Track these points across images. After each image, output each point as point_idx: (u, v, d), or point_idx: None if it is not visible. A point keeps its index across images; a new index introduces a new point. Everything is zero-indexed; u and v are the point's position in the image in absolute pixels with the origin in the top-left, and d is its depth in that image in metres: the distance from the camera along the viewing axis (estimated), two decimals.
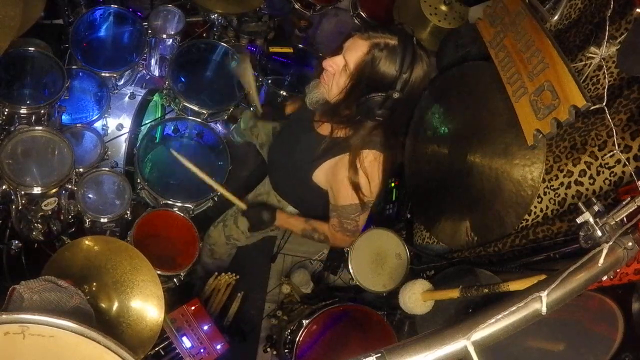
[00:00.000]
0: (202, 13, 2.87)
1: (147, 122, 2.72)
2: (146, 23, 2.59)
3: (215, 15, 2.80)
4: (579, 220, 1.17)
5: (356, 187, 1.68)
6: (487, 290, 1.46)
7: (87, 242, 1.75)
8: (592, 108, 1.42)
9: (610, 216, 1.14)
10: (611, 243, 1.05)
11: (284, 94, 2.69)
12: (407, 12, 2.78)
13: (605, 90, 1.41)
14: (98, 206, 2.12)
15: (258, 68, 2.74)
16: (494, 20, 1.99)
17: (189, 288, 2.46)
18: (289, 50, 2.91)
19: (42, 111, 2.10)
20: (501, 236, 2.01)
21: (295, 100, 2.29)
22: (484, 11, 2.09)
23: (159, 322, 1.70)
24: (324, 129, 1.77)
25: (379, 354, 0.81)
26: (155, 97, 2.78)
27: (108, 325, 1.65)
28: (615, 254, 1.05)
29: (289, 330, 2.26)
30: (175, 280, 2.17)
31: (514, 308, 0.87)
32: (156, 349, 1.95)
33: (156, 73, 2.78)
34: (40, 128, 2.01)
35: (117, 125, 2.66)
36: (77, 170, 2.09)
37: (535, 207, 1.88)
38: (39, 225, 2.20)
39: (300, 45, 2.99)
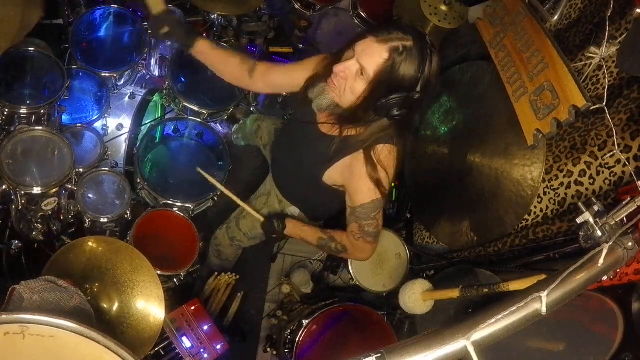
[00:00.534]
0: (202, 13, 2.87)
1: (147, 122, 2.72)
2: (146, 23, 2.59)
3: (215, 15, 2.79)
4: (579, 220, 1.17)
5: (377, 182, 1.63)
6: (487, 290, 1.46)
7: (87, 242, 1.75)
8: (592, 108, 1.42)
9: (610, 216, 1.14)
10: (611, 243, 1.05)
11: (284, 94, 2.69)
12: (407, 12, 2.78)
13: (605, 90, 1.41)
14: (98, 206, 2.12)
15: None
16: (494, 20, 1.99)
17: (189, 288, 2.46)
18: (289, 50, 2.91)
19: (42, 111, 2.10)
20: (501, 236, 2.01)
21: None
22: (484, 11, 2.09)
23: (159, 322, 1.70)
24: (331, 128, 1.72)
25: (379, 354, 0.81)
26: (155, 97, 2.78)
27: (108, 326, 1.65)
28: (615, 254, 1.05)
29: (289, 330, 2.26)
30: (175, 280, 2.17)
31: (514, 308, 0.87)
32: (156, 349, 1.95)
33: (156, 73, 2.78)
34: (40, 128, 2.01)
35: (117, 125, 2.66)
36: (77, 170, 2.08)
37: (535, 207, 1.89)
38: (39, 225, 2.20)
39: (300, 45, 2.99)
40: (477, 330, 0.84)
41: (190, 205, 2.29)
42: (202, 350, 2.02)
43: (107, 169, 2.22)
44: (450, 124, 2.42)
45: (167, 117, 2.68)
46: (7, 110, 2.04)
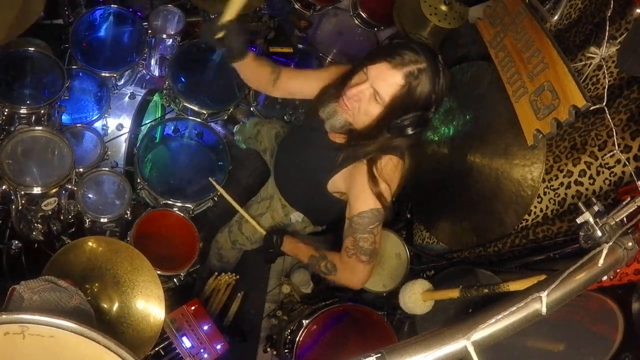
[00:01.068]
0: (202, 13, 2.87)
1: (147, 122, 2.72)
2: (146, 23, 2.59)
3: (215, 15, 2.79)
4: (579, 220, 1.17)
5: (378, 193, 1.61)
6: (487, 290, 1.46)
7: (87, 242, 1.75)
8: (592, 108, 1.42)
9: (610, 216, 1.14)
10: (611, 243, 1.05)
11: None
12: (407, 12, 2.78)
13: (605, 90, 1.41)
14: (98, 206, 2.12)
15: None
16: (494, 20, 1.99)
17: (189, 288, 2.46)
18: (289, 50, 2.91)
19: (42, 111, 2.10)
20: (501, 236, 2.01)
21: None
22: (484, 11, 2.09)
23: (159, 322, 1.70)
24: (339, 136, 1.72)
25: (379, 354, 0.81)
26: (155, 97, 2.78)
27: (108, 326, 1.65)
28: (615, 254, 1.05)
29: (289, 330, 2.26)
30: (175, 280, 2.17)
31: (514, 308, 0.87)
32: (156, 349, 1.95)
33: (156, 73, 2.78)
34: (40, 128, 2.01)
35: (117, 125, 2.66)
36: (77, 170, 2.08)
37: (535, 207, 1.89)
38: (39, 225, 2.21)
39: (300, 45, 2.99)
40: (477, 330, 0.84)
41: (190, 205, 2.29)
42: (202, 350, 2.02)
43: (107, 169, 2.22)
44: (450, 124, 2.42)
45: (167, 117, 2.68)
46: (7, 110, 2.04)
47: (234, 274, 2.42)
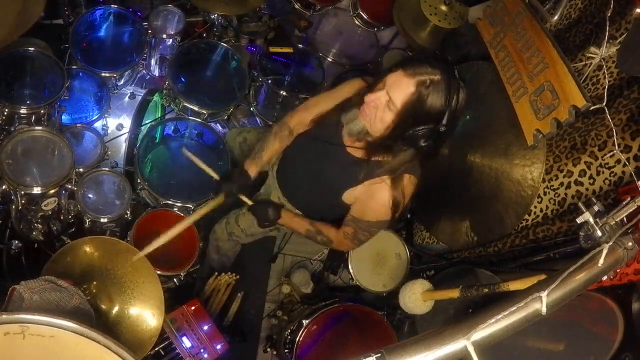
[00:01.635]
0: (202, 13, 2.87)
1: (147, 122, 2.72)
2: (146, 23, 2.59)
3: (215, 15, 2.80)
4: (579, 220, 1.17)
5: (395, 209, 1.72)
6: (487, 290, 1.46)
7: (87, 243, 1.75)
8: (592, 108, 1.42)
9: (610, 216, 1.14)
10: (611, 243, 1.05)
11: (284, 94, 2.69)
12: (407, 12, 2.78)
13: (605, 90, 1.41)
14: (98, 206, 2.12)
15: (258, 68, 2.75)
16: (494, 20, 1.99)
17: (189, 288, 2.46)
18: (289, 50, 2.91)
19: (42, 111, 2.10)
20: (501, 236, 2.01)
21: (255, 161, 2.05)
22: (484, 11, 2.09)
23: (159, 322, 1.70)
24: (358, 152, 1.77)
25: (379, 354, 0.81)
26: (155, 97, 2.78)
27: (108, 326, 1.65)
28: (615, 254, 1.05)
29: (289, 330, 2.26)
30: (175, 280, 2.17)
31: (514, 308, 0.87)
32: (156, 349, 1.95)
33: (156, 73, 2.78)
34: (40, 128, 2.01)
35: (117, 125, 2.66)
36: (77, 170, 2.08)
37: (535, 207, 1.89)
38: (39, 225, 2.20)
39: (300, 45, 2.99)
40: (477, 330, 0.84)
41: (191, 205, 2.29)
42: (202, 350, 2.02)
43: (107, 169, 2.22)
44: None
45: (167, 117, 2.68)
46: (7, 110, 2.04)
47: (234, 274, 2.41)
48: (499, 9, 1.97)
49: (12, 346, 0.93)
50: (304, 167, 2.00)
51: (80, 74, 2.44)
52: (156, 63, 2.74)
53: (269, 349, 2.51)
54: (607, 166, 1.62)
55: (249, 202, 1.99)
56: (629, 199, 1.14)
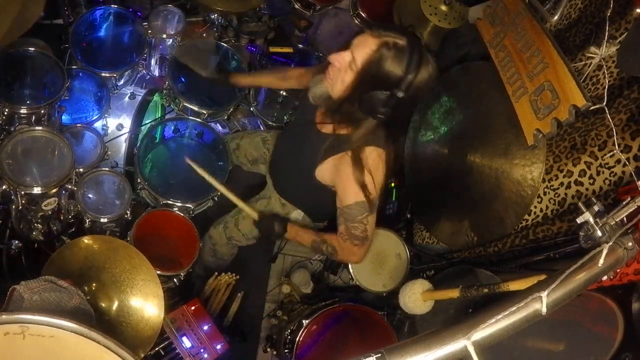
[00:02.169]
0: (202, 13, 2.87)
1: (147, 122, 2.72)
2: (146, 23, 2.59)
3: (215, 15, 2.79)
4: (579, 220, 1.17)
5: (362, 184, 1.66)
6: (487, 290, 1.46)
7: (86, 241, 1.75)
8: (592, 108, 1.42)
9: (610, 216, 1.14)
10: (611, 243, 1.05)
11: (284, 94, 2.69)
12: (407, 12, 2.78)
13: (605, 90, 1.41)
14: (98, 206, 2.12)
15: (258, 68, 2.74)
16: (494, 20, 1.99)
17: (189, 288, 2.46)
18: (289, 50, 2.91)
19: (42, 111, 2.10)
20: (501, 236, 2.01)
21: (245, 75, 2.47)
22: (484, 11, 2.09)
23: (159, 322, 1.69)
24: (327, 128, 1.76)
25: (379, 354, 0.81)
26: (155, 97, 2.78)
27: (108, 325, 1.65)
28: (615, 254, 1.05)
29: (289, 330, 2.26)
30: (175, 280, 2.16)
31: (514, 308, 0.87)
32: (156, 349, 1.95)
33: (156, 73, 2.78)
34: (40, 128, 2.01)
35: (117, 125, 2.66)
36: (77, 170, 2.08)
37: (535, 207, 1.89)
38: (39, 225, 2.20)
39: (300, 45, 2.99)
40: (477, 330, 0.84)
41: (191, 205, 2.29)
42: (202, 350, 2.02)
43: (107, 169, 2.22)
44: (450, 124, 2.42)
45: (167, 117, 2.67)
46: (7, 110, 2.04)
47: (234, 274, 2.41)
48: (499, 9, 1.97)
49: (12, 346, 0.93)
50: (285, 155, 2.03)
51: (80, 74, 2.44)
52: (156, 63, 2.74)
53: (269, 349, 2.51)
54: (607, 166, 1.62)
55: (255, 217, 1.99)
56: (629, 199, 1.14)
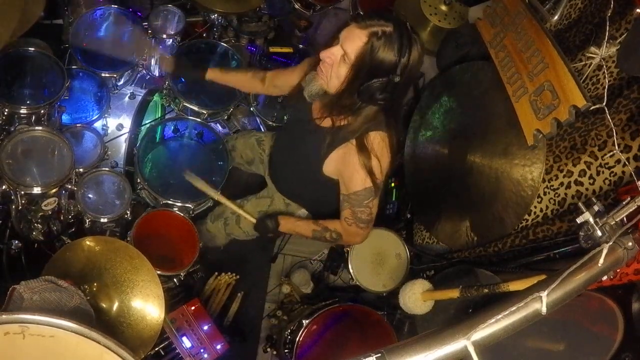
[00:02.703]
0: (202, 13, 2.87)
1: (147, 122, 2.72)
2: (146, 23, 2.59)
3: (215, 15, 2.79)
4: (579, 220, 1.17)
5: (369, 170, 1.68)
6: (487, 290, 1.46)
7: (87, 242, 1.75)
8: (592, 108, 1.42)
9: (610, 216, 1.14)
10: (611, 243, 1.05)
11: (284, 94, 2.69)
12: (407, 12, 2.78)
13: (605, 90, 1.41)
14: (98, 206, 2.12)
15: (258, 68, 2.75)
16: (494, 20, 1.99)
17: (189, 288, 2.46)
18: (289, 50, 2.91)
19: (42, 111, 2.10)
20: (501, 236, 2.01)
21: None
22: (484, 11, 2.09)
23: (159, 322, 1.69)
24: (326, 122, 1.77)
25: (379, 354, 0.81)
26: (155, 97, 2.78)
27: (108, 325, 1.65)
28: (615, 254, 1.06)
29: (289, 330, 2.26)
30: (175, 280, 2.16)
31: (514, 308, 0.87)
32: (156, 349, 1.95)
33: (156, 73, 2.77)
34: (40, 128, 2.01)
35: (117, 125, 2.66)
36: (77, 170, 2.08)
37: (535, 207, 1.88)
38: (39, 225, 2.20)
39: (300, 45, 2.99)
40: (477, 330, 0.84)
41: (191, 205, 2.29)
42: (202, 350, 2.02)
43: (107, 169, 2.22)
44: (450, 124, 2.42)
45: (167, 117, 2.67)
46: (7, 110, 2.04)
47: (234, 274, 2.41)
48: (499, 9, 1.97)
49: (12, 346, 0.93)
50: (285, 154, 2.03)
51: (80, 74, 2.44)
52: (156, 63, 2.73)
53: (269, 349, 2.51)
54: (607, 166, 1.62)
55: (253, 220, 2.02)
56: (629, 199, 1.14)
